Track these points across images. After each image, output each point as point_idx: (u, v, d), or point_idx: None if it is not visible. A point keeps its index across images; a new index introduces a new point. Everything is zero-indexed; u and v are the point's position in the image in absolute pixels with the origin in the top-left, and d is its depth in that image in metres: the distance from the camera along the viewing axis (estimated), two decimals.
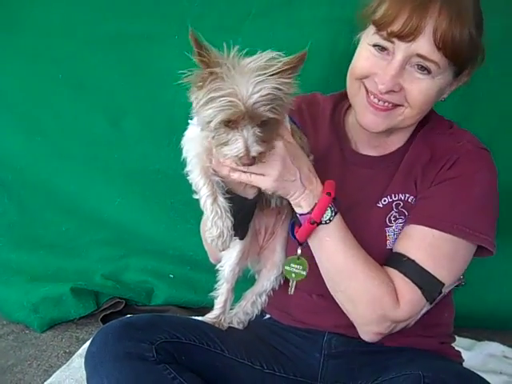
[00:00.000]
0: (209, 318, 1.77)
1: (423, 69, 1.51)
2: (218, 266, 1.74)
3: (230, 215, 1.49)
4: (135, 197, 2.89)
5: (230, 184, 1.51)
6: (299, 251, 1.62)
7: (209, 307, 1.83)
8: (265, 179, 1.45)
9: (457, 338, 1.84)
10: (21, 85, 2.85)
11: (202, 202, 1.49)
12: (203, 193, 1.48)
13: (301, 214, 1.54)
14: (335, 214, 1.53)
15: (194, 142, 1.51)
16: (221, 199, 1.48)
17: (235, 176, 1.45)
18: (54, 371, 2.36)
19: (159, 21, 2.65)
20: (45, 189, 2.94)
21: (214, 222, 1.47)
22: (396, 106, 1.57)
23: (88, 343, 1.57)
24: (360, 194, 1.66)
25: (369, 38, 1.57)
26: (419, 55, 1.49)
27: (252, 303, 1.82)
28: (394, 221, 1.63)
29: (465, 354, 1.83)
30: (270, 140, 1.39)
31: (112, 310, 2.77)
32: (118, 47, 2.72)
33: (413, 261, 1.53)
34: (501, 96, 2.53)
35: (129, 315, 2.50)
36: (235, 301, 1.82)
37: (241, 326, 1.82)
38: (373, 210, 1.65)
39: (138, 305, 2.84)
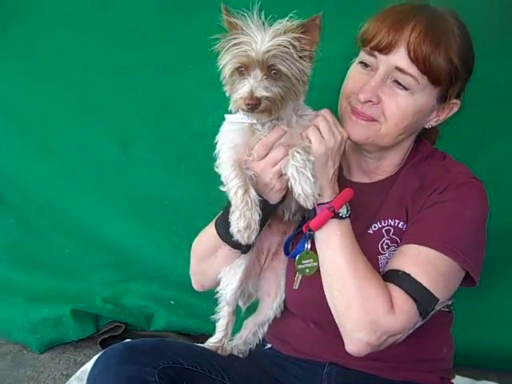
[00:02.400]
0: (211, 342, 1.77)
1: (401, 85, 1.57)
2: (218, 289, 1.74)
3: (259, 209, 1.50)
4: (140, 222, 2.91)
5: (259, 185, 1.54)
6: (308, 246, 1.61)
7: (208, 335, 1.84)
8: (321, 143, 1.52)
9: (456, 376, 1.85)
10: (34, 107, 2.90)
11: (231, 193, 1.50)
12: (234, 183, 1.50)
13: (319, 204, 1.56)
14: (349, 216, 1.58)
15: (232, 133, 1.56)
16: (252, 191, 1.50)
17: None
18: None
19: (173, 50, 2.70)
20: (50, 210, 2.97)
21: (242, 213, 1.47)
22: (374, 120, 1.61)
23: (86, 366, 1.58)
24: (352, 223, 1.66)
25: (358, 58, 1.67)
26: (398, 68, 1.56)
27: (253, 333, 1.83)
28: (387, 248, 1.65)
29: None
30: (282, 92, 1.45)
31: (111, 334, 2.76)
32: (131, 74, 2.77)
33: (408, 274, 1.53)
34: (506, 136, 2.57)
35: (128, 339, 2.51)
36: (235, 330, 1.83)
37: (242, 356, 1.83)
38: (364, 237, 1.66)
39: (137, 329, 2.83)
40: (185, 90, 2.72)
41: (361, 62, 1.64)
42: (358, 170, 1.77)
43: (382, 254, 1.65)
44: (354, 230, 1.64)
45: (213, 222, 1.72)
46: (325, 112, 1.57)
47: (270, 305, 1.77)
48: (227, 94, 1.52)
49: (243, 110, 1.46)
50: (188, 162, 2.79)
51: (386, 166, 1.73)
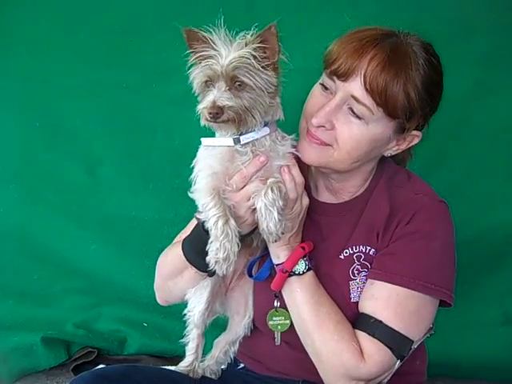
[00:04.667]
0: (182, 366, 1.75)
1: (355, 114, 1.54)
2: (186, 311, 1.73)
3: (238, 240, 1.49)
4: (110, 244, 2.86)
5: (234, 214, 1.53)
6: (277, 303, 1.67)
7: (182, 356, 1.81)
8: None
9: None
10: None
11: (210, 223, 1.48)
12: (213, 213, 1.49)
13: (277, 265, 1.61)
14: (309, 269, 1.60)
15: (210, 160, 1.56)
16: (232, 222, 1.49)
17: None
18: None
19: (136, 70, 2.68)
20: (17, 236, 2.89)
21: (222, 244, 1.47)
22: (327, 144, 1.59)
23: None
24: (322, 245, 1.68)
25: (321, 77, 1.64)
26: (353, 97, 1.53)
27: (225, 352, 1.82)
28: (358, 274, 1.65)
29: None
30: (246, 103, 1.48)
31: (84, 360, 2.72)
32: (95, 96, 2.74)
33: (380, 321, 1.55)
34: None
35: (101, 365, 2.46)
36: (206, 350, 1.81)
37: (214, 377, 1.81)
38: (335, 262, 1.67)
39: (110, 354, 2.79)
40: (149, 110, 2.71)
41: (321, 84, 1.62)
42: (324, 189, 1.77)
43: (353, 279, 1.65)
44: (325, 254, 1.67)
45: (178, 242, 1.71)
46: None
47: (240, 323, 1.77)
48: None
49: (207, 120, 1.47)
50: (156, 182, 2.76)
51: (350, 187, 1.73)
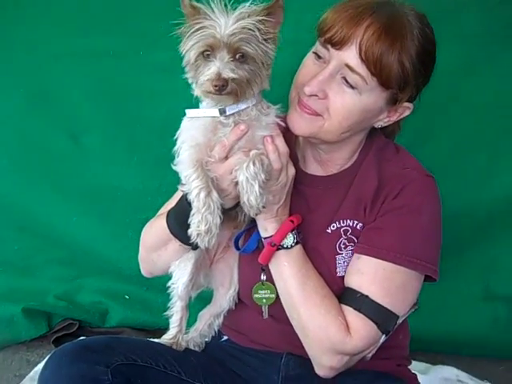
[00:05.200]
0: (166, 339, 1.74)
1: (349, 84, 1.52)
2: (169, 283, 1.72)
3: (220, 213, 1.47)
4: (92, 215, 2.83)
5: (216, 187, 1.50)
6: (263, 277, 1.66)
7: (165, 329, 1.80)
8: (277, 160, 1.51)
9: (412, 361, 1.86)
10: None
11: (193, 194, 1.46)
12: (196, 185, 1.46)
13: (265, 238, 1.59)
14: (297, 242, 1.59)
15: (193, 131, 1.52)
16: (215, 194, 1.47)
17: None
18: None
19: (123, 37, 2.63)
20: None
21: (204, 216, 1.44)
22: (317, 114, 1.57)
23: (39, 366, 1.54)
24: (309, 217, 1.67)
25: (314, 46, 1.61)
26: (347, 65, 1.50)
27: (209, 325, 1.82)
28: (344, 248, 1.64)
29: (420, 378, 1.85)
30: (247, 75, 1.44)
31: (65, 332, 2.71)
32: (82, 63, 2.68)
33: (366, 296, 1.55)
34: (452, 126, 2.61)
35: (82, 337, 2.45)
36: (190, 322, 1.81)
37: (197, 349, 1.81)
38: (322, 236, 1.66)
39: (91, 327, 2.78)
40: (136, 78, 2.66)
41: (314, 53, 1.59)
42: (313, 160, 1.74)
43: (340, 253, 1.64)
44: (312, 227, 1.65)
45: (163, 214, 1.69)
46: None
47: (224, 295, 1.75)
48: (190, 81, 1.49)
49: (210, 92, 1.43)
50: (141, 152, 2.73)
51: (338, 158, 1.70)
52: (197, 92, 1.49)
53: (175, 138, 1.55)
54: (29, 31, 2.68)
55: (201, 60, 1.44)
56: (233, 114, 1.50)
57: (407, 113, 1.64)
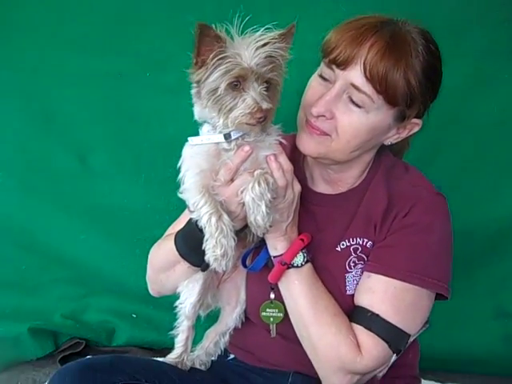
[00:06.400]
0: (171, 358, 1.74)
1: (355, 103, 1.52)
2: (177, 303, 1.72)
3: (234, 235, 1.46)
4: (99, 234, 2.82)
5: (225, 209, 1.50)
6: (272, 295, 1.65)
7: (171, 348, 1.80)
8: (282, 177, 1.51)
9: (422, 380, 1.84)
10: None
11: (203, 221, 1.45)
12: (206, 211, 1.45)
13: (275, 256, 1.59)
14: (307, 261, 1.58)
15: (197, 158, 1.52)
16: (226, 217, 1.46)
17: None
18: None
19: (131, 59, 2.64)
20: (5, 224, 2.84)
21: (218, 240, 1.44)
22: (326, 134, 1.57)
23: None
24: (318, 235, 1.66)
25: (319, 68, 1.62)
26: (353, 85, 1.51)
27: (215, 343, 1.81)
28: (354, 266, 1.63)
29: None
30: (272, 101, 1.45)
31: (71, 351, 2.68)
32: (89, 84, 2.69)
33: (377, 315, 1.54)
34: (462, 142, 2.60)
35: (88, 356, 2.44)
36: (196, 340, 1.79)
37: (203, 368, 1.80)
38: (331, 254, 1.65)
39: (98, 345, 2.76)
40: (143, 99, 2.66)
41: (319, 75, 1.60)
42: (321, 180, 1.75)
43: (349, 272, 1.64)
44: (321, 245, 1.65)
45: (171, 235, 1.69)
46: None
47: (231, 314, 1.75)
48: (214, 114, 1.46)
49: (249, 124, 1.42)
50: (148, 171, 2.73)
51: (347, 177, 1.71)
52: (230, 126, 1.45)
53: (178, 166, 1.55)
54: (36, 52, 2.69)
55: (227, 91, 1.42)
56: (237, 137, 1.50)
57: (416, 129, 1.64)
